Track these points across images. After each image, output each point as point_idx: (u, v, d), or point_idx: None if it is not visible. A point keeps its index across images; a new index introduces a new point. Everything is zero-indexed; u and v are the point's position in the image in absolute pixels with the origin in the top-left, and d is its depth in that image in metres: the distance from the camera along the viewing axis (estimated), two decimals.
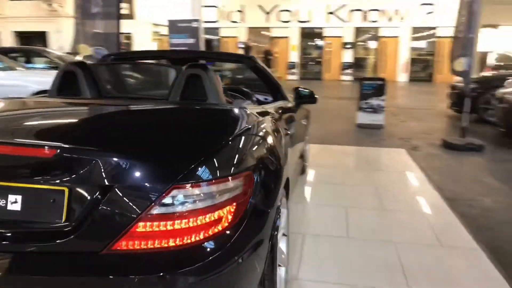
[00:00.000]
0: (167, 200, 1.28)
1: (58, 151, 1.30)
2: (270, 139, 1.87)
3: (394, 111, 9.24)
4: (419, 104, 11.66)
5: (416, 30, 19.45)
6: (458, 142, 5.73)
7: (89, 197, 1.31)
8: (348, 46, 19.99)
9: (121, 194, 1.28)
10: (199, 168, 1.32)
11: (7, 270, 1.30)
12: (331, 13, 19.78)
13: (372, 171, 4.56)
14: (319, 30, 20.34)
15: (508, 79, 7.62)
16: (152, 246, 1.28)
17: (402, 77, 19.64)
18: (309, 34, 20.71)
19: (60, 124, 1.79)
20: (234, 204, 1.39)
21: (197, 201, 1.31)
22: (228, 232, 1.36)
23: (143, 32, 19.14)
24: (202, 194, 1.31)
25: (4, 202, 1.34)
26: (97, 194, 1.30)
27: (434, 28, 19.03)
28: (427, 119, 8.55)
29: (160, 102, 2.27)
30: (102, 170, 1.28)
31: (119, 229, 1.27)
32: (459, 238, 2.87)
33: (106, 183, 1.28)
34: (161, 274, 1.26)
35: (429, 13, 18.77)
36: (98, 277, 1.27)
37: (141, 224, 1.27)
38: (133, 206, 1.27)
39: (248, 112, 1.93)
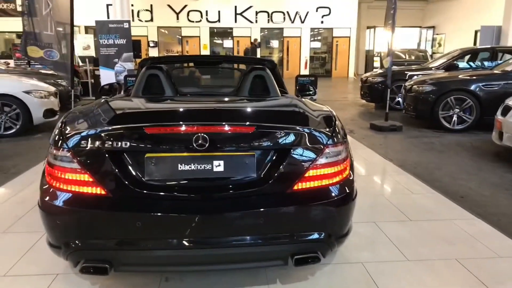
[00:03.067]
0: (324, 155, 2.04)
1: (255, 128, 1.97)
2: None
3: None
4: (332, 96, 13.33)
5: (314, 30, 21.60)
6: (383, 125, 7.16)
7: (273, 158, 2.00)
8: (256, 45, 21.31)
9: (296, 154, 2.00)
10: (335, 136, 2.10)
11: (218, 211, 1.94)
12: (239, 14, 20.87)
13: None
14: (228, 30, 21.29)
15: (407, 73, 9.48)
16: (317, 185, 2.03)
17: (304, 73, 21.65)
18: (218, 34, 21.53)
19: (238, 112, 2.40)
20: (349, 156, 2.21)
21: (338, 155, 2.09)
22: (351, 172, 2.18)
23: None
24: (339, 151, 2.10)
25: (211, 166, 1.96)
26: (278, 155, 2.00)
27: (330, 29, 21.36)
28: (347, 109, 10.07)
29: (255, 97, 2.92)
30: (282, 139, 1.99)
31: (297, 176, 2.00)
32: (419, 187, 4.03)
33: (286, 147, 1.99)
34: (324, 201, 2.02)
35: (325, 15, 21.02)
36: (285, 207, 1.99)
37: (310, 171, 2.01)
38: (305, 161, 2.01)
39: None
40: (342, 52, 21.84)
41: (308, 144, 2.02)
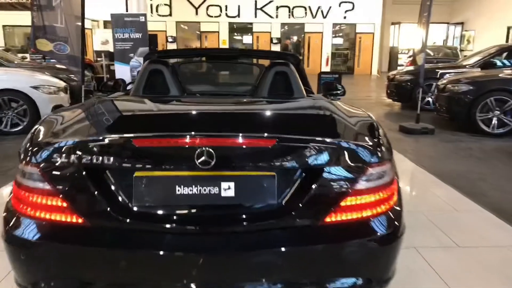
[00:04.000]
0: (366, 177, 1.56)
1: (276, 141, 1.50)
2: None
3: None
4: (356, 95, 12.72)
5: (337, 26, 20.92)
6: (414, 127, 6.58)
7: (300, 180, 1.53)
8: (276, 41, 20.78)
9: (329, 176, 1.52)
10: (380, 151, 1.61)
11: (227, 249, 1.48)
12: (259, 9, 20.36)
13: None
14: (248, 25, 20.82)
15: (438, 71, 8.83)
16: (356, 217, 1.55)
17: (325, 70, 21.00)
18: (238, 29, 21.08)
19: (250, 119, 1.93)
20: (396, 177, 1.72)
21: (383, 177, 1.60)
22: (399, 200, 1.69)
23: None
24: (385, 171, 1.61)
25: (218, 189, 1.50)
26: (306, 177, 1.53)
27: (353, 24, 20.64)
28: (373, 109, 9.48)
29: (278, 98, 2.47)
30: (312, 156, 1.51)
31: (330, 205, 1.52)
32: (463, 203, 3.49)
33: (316, 167, 1.52)
34: (365, 238, 1.54)
35: (348, 10, 20.31)
36: (314, 245, 1.51)
37: (347, 199, 1.53)
38: (341, 185, 1.53)
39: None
40: (365, 49, 21.07)
41: (346, 162, 1.54)
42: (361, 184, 1.55)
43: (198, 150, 1.45)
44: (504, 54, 8.81)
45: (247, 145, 1.51)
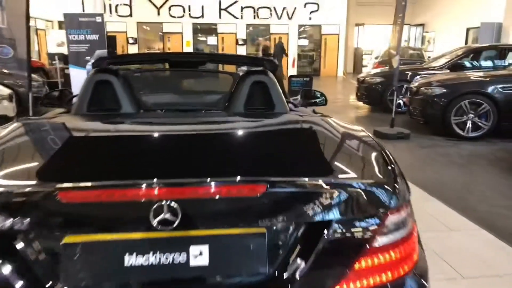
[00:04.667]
0: (384, 228, 1.16)
1: (267, 187, 1.08)
2: None
3: None
4: None
5: (302, 27, 20.77)
6: (389, 132, 6.35)
7: (298, 239, 1.11)
8: (241, 42, 20.37)
9: (338, 231, 1.12)
10: (398, 192, 1.23)
11: None
12: (223, 9, 19.89)
13: None
14: (212, 26, 20.29)
15: (408, 73, 8.71)
16: (374, 284, 1.15)
17: (291, 72, 20.80)
18: (202, 30, 20.51)
19: (225, 155, 1.40)
20: (415, 222, 1.34)
21: (404, 226, 1.22)
22: (421, 251, 1.32)
23: None
24: (405, 219, 1.23)
25: (185, 256, 1.06)
26: (306, 234, 1.11)
27: (319, 25, 20.57)
28: (344, 111, 9.26)
29: (256, 114, 2.06)
30: (314, 204, 1.10)
31: (341, 269, 1.12)
32: (455, 219, 3.21)
33: (320, 219, 1.11)
34: None
35: (313, 11, 20.21)
36: None
37: (362, 262, 1.13)
38: (354, 242, 1.13)
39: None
40: (330, 50, 21.06)
41: (360, 209, 1.14)
42: (379, 240, 1.15)
43: (156, 205, 1.01)
44: (471, 56, 8.84)
45: (226, 194, 1.08)
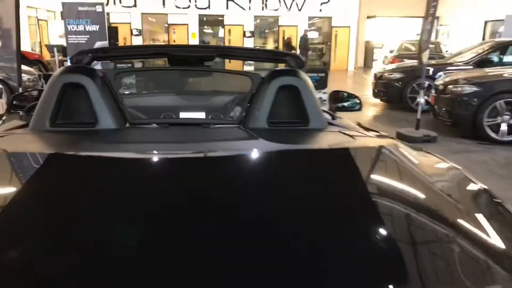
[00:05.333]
0: None
1: None
2: None
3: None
4: None
5: (312, 19, 20.09)
6: (414, 135, 5.76)
7: None
8: (249, 35, 19.74)
9: None
10: None
11: None
12: (231, 0, 19.23)
13: None
14: (219, 17, 19.67)
15: (429, 69, 8.09)
16: None
17: None
18: (208, 22, 19.89)
19: None
20: None
21: None
22: None
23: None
24: None
25: None
26: None
27: (329, 17, 19.87)
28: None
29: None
30: None
31: None
32: None
33: None
34: None
35: (324, 3, 19.50)
36: None
37: None
38: None
39: None
40: (341, 43, 20.34)
41: None
42: None
43: None
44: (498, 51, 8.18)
45: None
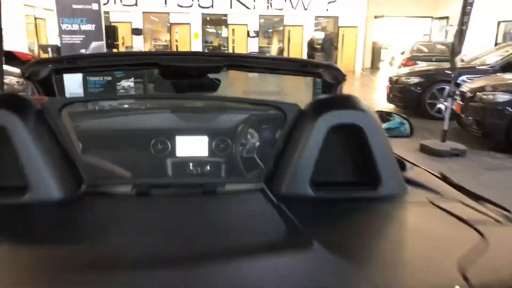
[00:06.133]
0: None
1: None
2: None
3: None
4: None
5: (318, 19, 19.50)
6: (441, 148, 5.16)
7: None
8: (253, 34, 19.17)
9: None
10: None
11: None
12: None
13: None
14: (222, 17, 19.09)
15: (450, 72, 7.49)
16: None
17: None
18: (211, 21, 19.32)
19: None
20: None
21: None
22: None
23: (12, 15, 15.57)
24: None
25: None
26: None
27: (336, 17, 19.27)
28: None
29: None
30: None
31: None
32: None
33: None
34: None
35: (331, 2, 18.90)
36: None
37: None
38: None
39: None
40: (348, 44, 19.72)
41: None
42: None
43: None
44: None
45: None
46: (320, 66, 1.57)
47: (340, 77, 1.59)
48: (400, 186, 0.97)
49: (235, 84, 3.79)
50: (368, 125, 0.94)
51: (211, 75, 1.67)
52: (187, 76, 1.62)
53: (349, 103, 0.99)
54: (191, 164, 1.40)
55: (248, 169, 1.37)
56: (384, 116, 2.12)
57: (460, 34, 4.77)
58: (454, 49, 4.93)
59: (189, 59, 1.57)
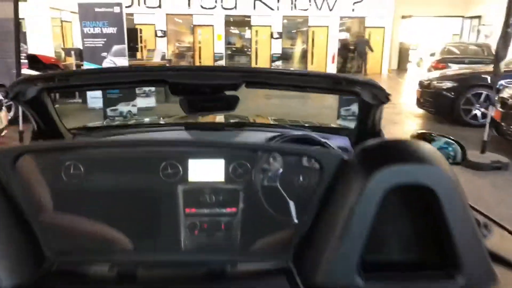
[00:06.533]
0: None
1: None
2: None
3: None
4: None
5: (344, 19, 19.03)
6: (480, 160, 4.76)
7: None
8: (277, 36, 18.88)
9: None
10: None
11: None
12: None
13: None
14: (246, 18, 18.88)
15: (485, 77, 7.02)
16: None
17: (330, 68, 19.14)
18: (235, 23, 19.14)
19: None
20: None
21: None
22: None
23: (38, 18, 15.81)
24: None
25: None
26: None
27: (362, 18, 18.75)
28: (402, 121, 7.67)
29: None
30: None
31: None
32: None
33: None
34: None
35: (357, 2, 18.41)
36: None
37: None
38: None
39: None
40: (375, 45, 19.12)
41: None
42: None
43: None
44: None
45: None
46: (357, 83, 1.29)
47: (382, 98, 1.30)
48: (487, 273, 0.68)
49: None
50: (442, 186, 0.66)
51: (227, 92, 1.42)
52: (199, 93, 1.37)
53: (415, 153, 0.70)
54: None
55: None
56: (427, 137, 1.85)
57: (505, 37, 4.35)
58: (498, 53, 4.51)
59: (200, 75, 1.32)
